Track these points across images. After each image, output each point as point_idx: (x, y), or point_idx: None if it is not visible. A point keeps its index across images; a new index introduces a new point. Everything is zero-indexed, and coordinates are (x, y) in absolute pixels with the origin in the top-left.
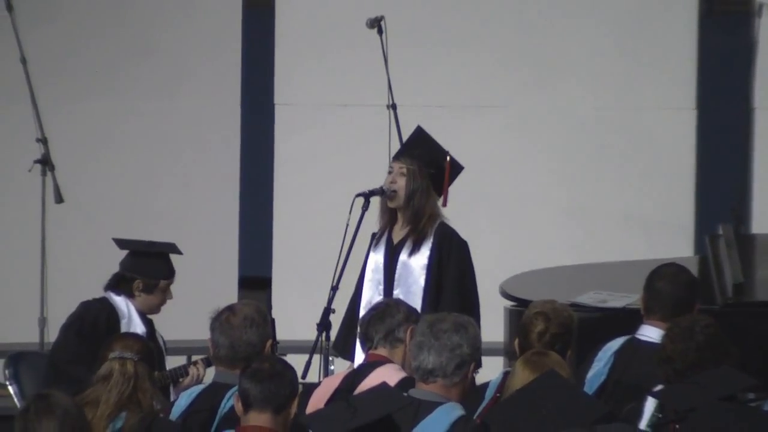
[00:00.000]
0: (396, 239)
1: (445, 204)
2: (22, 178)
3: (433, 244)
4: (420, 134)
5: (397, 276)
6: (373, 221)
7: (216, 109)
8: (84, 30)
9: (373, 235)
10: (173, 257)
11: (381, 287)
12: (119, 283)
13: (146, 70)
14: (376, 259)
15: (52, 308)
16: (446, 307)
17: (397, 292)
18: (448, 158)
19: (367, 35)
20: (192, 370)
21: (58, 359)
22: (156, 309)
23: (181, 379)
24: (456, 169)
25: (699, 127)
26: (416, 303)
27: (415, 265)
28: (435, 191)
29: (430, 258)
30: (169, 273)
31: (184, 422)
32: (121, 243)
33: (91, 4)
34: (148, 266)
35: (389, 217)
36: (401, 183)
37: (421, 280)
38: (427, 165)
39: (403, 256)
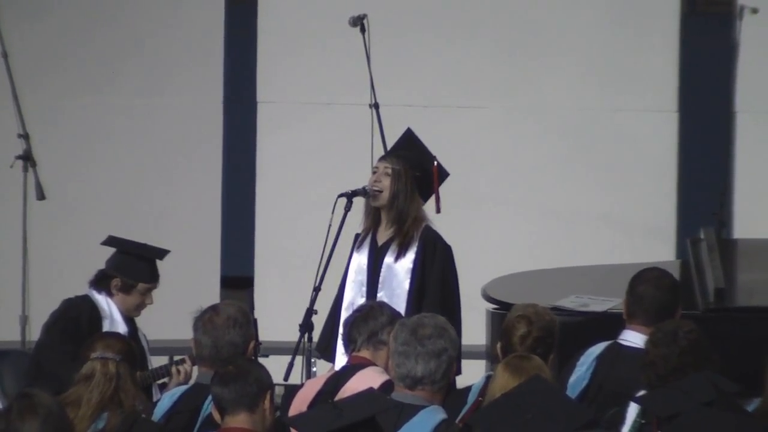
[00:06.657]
0: (380, 241)
1: (438, 210)
2: (3, 174)
3: (419, 248)
4: (409, 136)
5: (381, 279)
6: (355, 221)
7: (198, 106)
8: (68, 26)
9: (356, 235)
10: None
11: (364, 289)
12: (101, 281)
13: (128, 67)
14: (360, 260)
15: (34, 306)
16: (428, 311)
17: (381, 295)
18: (435, 164)
19: (349, 33)
20: (183, 368)
21: (42, 358)
22: (133, 311)
23: (166, 379)
24: (442, 175)
25: (681, 130)
26: (400, 306)
27: (400, 268)
28: (420, 195)
29: (415, 262)
30: (151, 278)
31: (167, 423)
32: (111, 240)
33: (76, 1)
34: (129, 266)
35: (373, 219)
36: (385, 183)
37: (406, 284)
38: (414, 167)
39: (388, 259)
